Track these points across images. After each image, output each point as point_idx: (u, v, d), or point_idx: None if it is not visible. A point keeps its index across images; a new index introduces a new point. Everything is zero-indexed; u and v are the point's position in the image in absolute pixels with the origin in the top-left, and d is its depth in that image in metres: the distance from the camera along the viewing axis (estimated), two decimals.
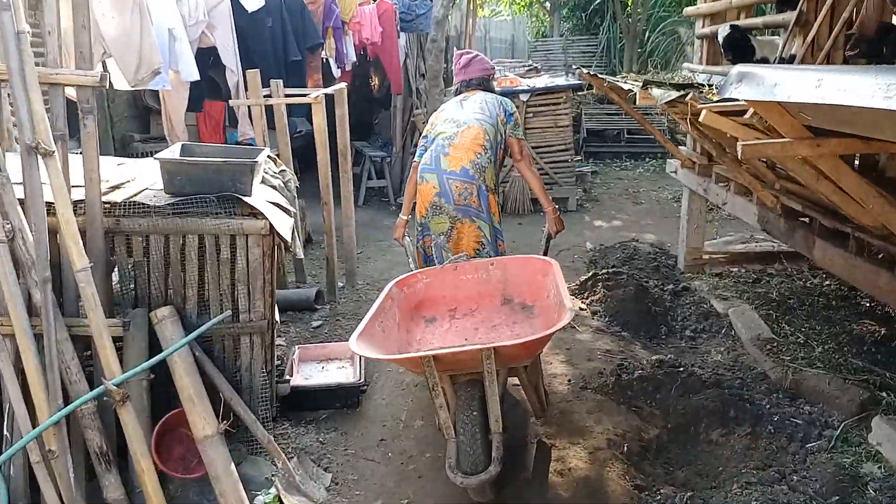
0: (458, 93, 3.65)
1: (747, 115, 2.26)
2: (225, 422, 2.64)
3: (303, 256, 3.95)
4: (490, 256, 3.33)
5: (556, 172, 7.56)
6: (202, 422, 2.59)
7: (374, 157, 7.79)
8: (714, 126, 2.60)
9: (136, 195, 2.80)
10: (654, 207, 7.56)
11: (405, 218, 3.56)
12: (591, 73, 4.49)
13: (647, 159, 10.22)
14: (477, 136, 3.33)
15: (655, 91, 3.31)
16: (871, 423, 2.93)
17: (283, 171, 3.45)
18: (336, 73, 6.38)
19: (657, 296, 4.51)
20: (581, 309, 4.55)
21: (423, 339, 2.96)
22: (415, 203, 3.52)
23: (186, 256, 2.83)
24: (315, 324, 4.45)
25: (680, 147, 5.18)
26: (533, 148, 7.13)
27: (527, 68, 9.17)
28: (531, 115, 7.47)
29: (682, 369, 3.48)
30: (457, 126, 3.39)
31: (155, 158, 2.93)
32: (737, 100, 2.12)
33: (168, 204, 2.77)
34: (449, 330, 3.01)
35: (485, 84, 3.63)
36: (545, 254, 3.49)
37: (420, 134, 8.78)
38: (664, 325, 4.23)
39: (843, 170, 2.27)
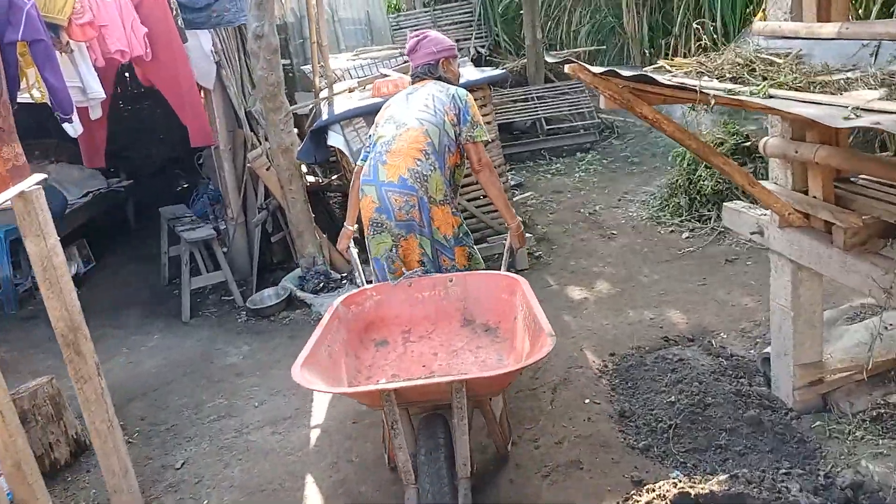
0: (413, 83, 3.17)
1: None
2: None
3: None
4: (430, 274, 2.89)
5: (488, 213, 4.93)
6: None
7: (192, 239, 4.75)
8: None
9: None
10: (636, 242, 5.10)
11: (351, 228, 3.17)
12: (608, 70, 1.90)
13: (577, 154, 7.82)
14: (416, 139, 2.88)
15: None
16: None
17: None
18: (73, 129, 3.22)
19: None
20: None
21: (374, 365, 2.60)
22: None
23: None
24: None
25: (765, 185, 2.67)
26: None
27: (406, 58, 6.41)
28: None
29: None
30: (396, 128, 2.94)
31: None
32: None
33: None
34: (404, 355, 2.64)
35: (432, 71, 3.08)
36: (507, 269, 2.98)
37: (262, 182, 5.89)
38: None
39: None
